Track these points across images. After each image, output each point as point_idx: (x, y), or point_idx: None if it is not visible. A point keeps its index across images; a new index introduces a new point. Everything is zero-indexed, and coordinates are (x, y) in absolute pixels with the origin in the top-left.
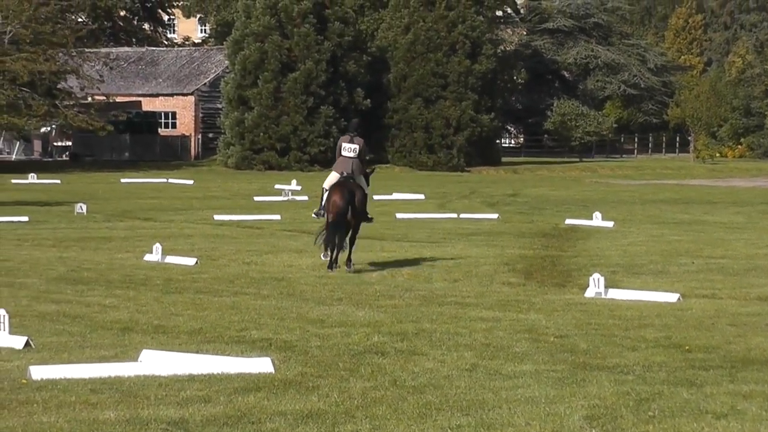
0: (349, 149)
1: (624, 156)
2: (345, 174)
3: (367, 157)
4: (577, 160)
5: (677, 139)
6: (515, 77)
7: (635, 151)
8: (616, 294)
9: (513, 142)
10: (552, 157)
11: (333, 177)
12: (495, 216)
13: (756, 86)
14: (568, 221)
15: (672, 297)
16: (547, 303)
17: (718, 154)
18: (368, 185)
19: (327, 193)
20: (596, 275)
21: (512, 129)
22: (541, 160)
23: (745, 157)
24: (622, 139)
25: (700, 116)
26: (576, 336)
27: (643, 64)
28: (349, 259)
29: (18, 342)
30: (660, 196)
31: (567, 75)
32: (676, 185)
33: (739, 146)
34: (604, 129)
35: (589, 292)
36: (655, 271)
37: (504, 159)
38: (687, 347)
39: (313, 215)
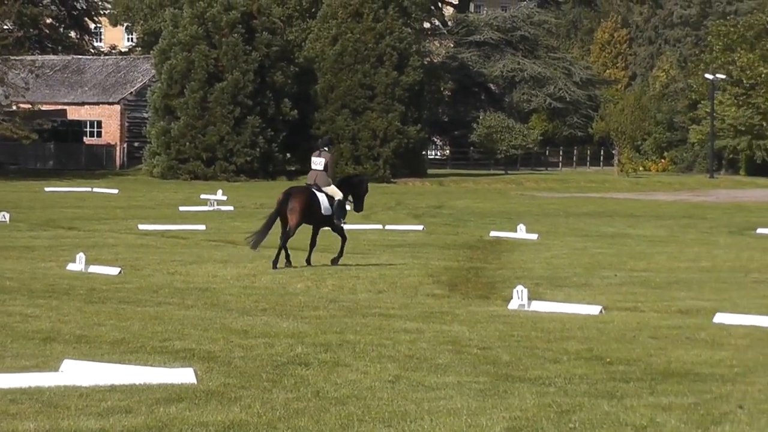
0: (315, 163)
1: (549, 169)
2: (309, 184)
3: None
4: (503, 172)
5: (602, 152)
6: (442, 89)
7: (560, 164)
8: (539, 306)
9: (439, 154)
10: (478, 170)
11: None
12: (420, 227)
13: (679, 101)
14: (493, 233)
15: (594, 309)
16: (471, 315)
17: (641, 168)
18: (345, 195)
19: None
20: (520, 287)
21: (438, 141)
22: (467, 172)
23: (668, 170)
24: (548, 152)
25: (625, 130)
26: (499, 348)
27: (568, 77)
28: (308, 258)
29: None
30: (584, 209)
31: (493, 87)
32: (600, 198)
33: (663, 160)
34: (529, 142)
35: (513, 304)
36: (578, 283)
37: (430, 171)
38: (608, 359)
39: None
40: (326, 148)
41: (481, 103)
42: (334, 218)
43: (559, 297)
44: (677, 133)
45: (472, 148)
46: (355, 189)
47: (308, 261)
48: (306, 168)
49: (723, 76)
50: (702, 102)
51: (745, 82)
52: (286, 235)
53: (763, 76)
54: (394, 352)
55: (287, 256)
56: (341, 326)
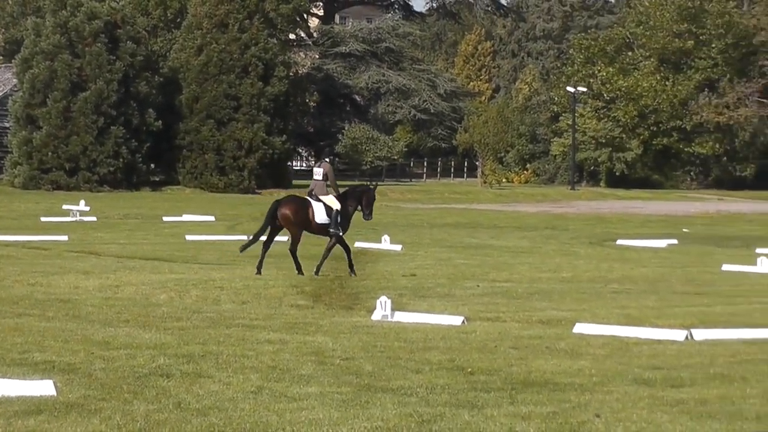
0: (315, 173)
1: (413, 180)
2: (309, 192)
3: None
4: (367, 183)
5: (466, 163)
6: (307, 100)
7: (424, 175)
8: (402, 317)
9: (304, 164)
10: (343, 180)
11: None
12: (285, 239)
13: (542, 113)
14: (357, 244)
15: (457, 320)
16: (335, 325)
17: (504, 179)
18: (371, 199)
19: None
20: (383, 298)
21: (304, 152)
22: None
23: (531, 182)
24: (412, 164)
25: (488, 142)
26: (362, 358)
27: (433, 89)
28: (317, 267)
29: None
30: (448, 220)
31: (359, 99)
32: (463, 209)
33: (525, 172)
34: (394, 153)
35: (376, 315)
36: (441, 294)
37: (295, 182)
38: (470, 369)
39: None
40: (327, 159)
41: (347, 115)
42: (330, 227)
43: (422, 307)
44: (540, 145)
45: (337, 159)
46: (361, 199)
47: (350, 267)
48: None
49: (584, 89)
50: (564, 114)
51: (605, 95)
52: (293, 245)
53: (622, 89)
54: (257, 363)
55: (298, 266)
56: (204, 337)
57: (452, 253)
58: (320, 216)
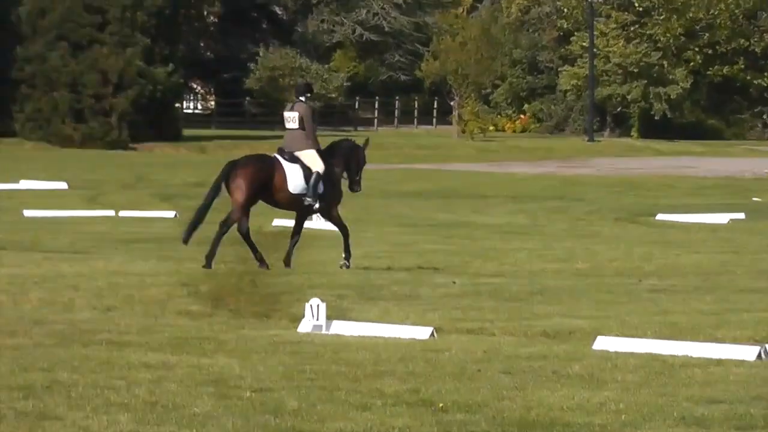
0: (288, 119)
1: (360, 128)
2: (279, 149)
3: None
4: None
5: (435, 105)
6: (205, 13)
7: (376, 121)
8: (343, 328)
9: (200, 106)
10: (257, 130)
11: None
12: (172, 214)
13: (545, 31)
14: (278, 222)
15: (423, 332)
16: (244, 342)
17: (492, 128)
18: (362, 160)
19: None
20: (315, 301)
21: (200, 88)
22: (241, 133)
23: (530, 131)
24: (358, 105)
25: (468, 73)
26: (283, 390)
27: None
28: (287, 256)
29: None
30: (410, 186)
31: (279, 12)
32: (433, 171)
33: (522, 116)
34: (331, 90)
35: (305, 326)
36: (399, 294)
37: (187, 132)
38: (441, 405)
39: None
40: (302, 99)
41: (262, 35)
42: (307, 196)
43: (372, 314)
44: (542, 78)
45: (248, 98)
46: (347, 158)
47: (287, 259)
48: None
49: None
50: (577, 33)
51: (637, 4)
52: (224, 223)
53: None
54: (129, 398)
55: (255, 251)
56: (50, 360)
57: (416, 234)
58: (295, 182)
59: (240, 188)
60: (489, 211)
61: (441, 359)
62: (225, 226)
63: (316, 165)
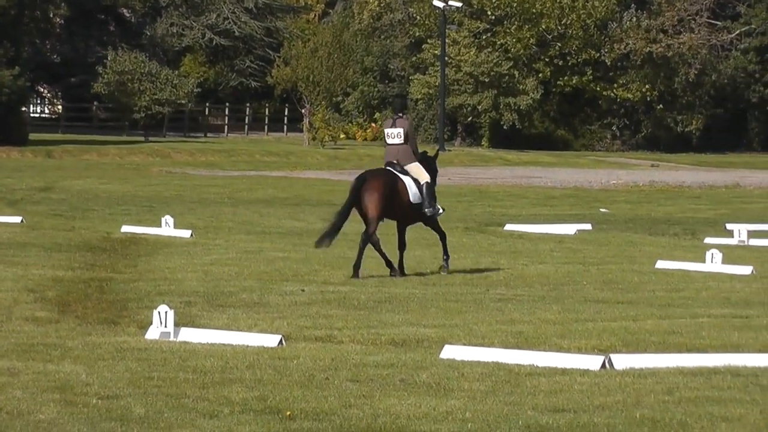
0: (391, 135)
1: (210, 135)
2: (388, 162)
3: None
4: (142, 139)
5: (286, 112)
6: (51, 15)
7: (226, 128)
8: (191, 335)
9: (47, 110)
10: (105, 135)
11: None
12: (17, 220)
13: (397, 38)
14: (126, 228)
15: (271, 340)
16: (90, 348)
17: (343, 135)
18: (434, 171)
19: None
20: (163, 308)
21: (46, 92)
22: (89, 138)
23: (381, 139)
24: (208, 111)
25: (319, 80)
26: (130, 396)
27: (238, 2)
28: (400, 266)
29: None
30: (260, 193)
31: (127, 14)
32: (283, 179)
33: (373, 124)
34: (180, 96)
35: (153, 333)
36: (248, 302)
37: (33, 136)
38: (289, 413)
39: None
40: (402, 115)
41: (110, 38)
42: (425, 207)
43: (220, 321)
44: (394, 86)
45: (96, 103)
46: (428, 170)
47: (401, 269)
48: None
49: (458, 4)
50: (429, 41)
51: (489, 13)
52: (366, 233)
53: (514, 5)
54: None
55: (387, 261)
56: None
57: (265, 242)
58: (414, 193)
59: (374, 202)
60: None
61: (289, 367)
62: (367, 238)
63: (424, 176)
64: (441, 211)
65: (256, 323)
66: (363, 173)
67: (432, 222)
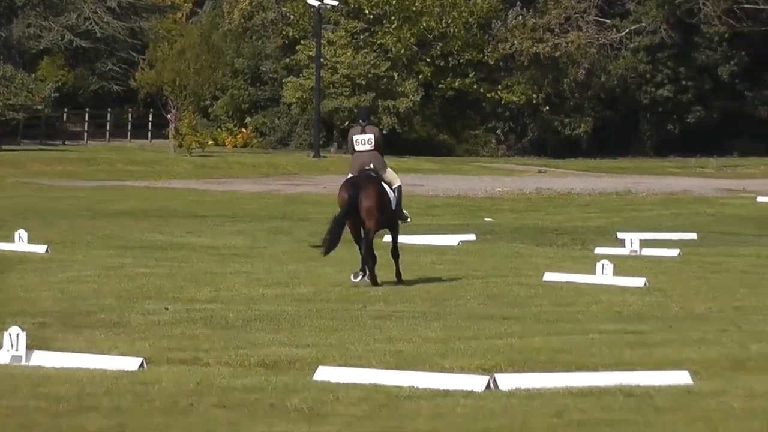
0: (361, 141)
1: (69, 142)
2: (363, 170)
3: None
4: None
5: (151, 117)
6: None
7: (86, 134)
8: (44, 359)
9: None
10: None
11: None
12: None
13: (269, 39)
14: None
15: (132, 363)
16: None
17: (211, 142)
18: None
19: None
20: (15, 330)
21: None
22: None
23: (253, 146)
24: (66, 117)
25: (186, 83)
26: None
27: (100, 1)
28: (373, 274)
29: None
30: (122, 205)
31: None
32: (146, 189)
33: (243, 130)
34: (37, 101)
35: (2, 357)
36: (108, 322)
37: None
38: None
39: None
40: (365, 121)
41: None
42: (399, 214)
43: (76, 344)
44: (266, 90)
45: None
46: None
47: (375, 278)
48: None
49: (335, 3)
50: (303, 42)
51: (367, 12)
52: (367, 241)
53: (393, 4)
54: None
55: (372, 269)
56: None
57: (127, 257)
58: (394, 199)
59: (372, 209)
60: (206, 232)
61: (150, 392)
62: (369, 244)
63: (396, 181)
64: (409, 218)
65: (115, 345)
66: (353, 180)
67: (396, 229)
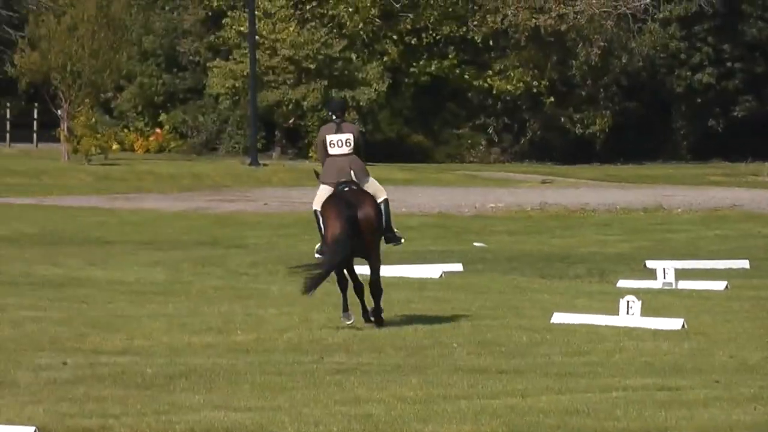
0: (337, 142)
1: None
2: (341, 182)
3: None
4: None
5: (36, 113)
6: None
7: None
8: None
9: None
10: None
11: (324, 191)
12: None
13: (188, 10)
14: None
15: None
16: None
17: (116, 146)
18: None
19: (321, 216)
20: None
21: None
22: None
23: (170, 150)
24: None
25: (81, 69)
26: None
27: None
28: (364, 308)
29: None
30: (2, 230)
31: None
32: (32, 207)
33: (158, 130)
34: None
35: None
36: None
37: None
38: None
39: (316, 255)
40: (339, 116)
41: None
42: (389, 235)
43: None
44: (186, 77)
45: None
46: None
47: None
48: None
49: None
50: (231, 14)
51: None
52: (376, 274)
53: None
54: None
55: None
56: None
57: (10, 296)
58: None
59: (376, 231)
60: (113, 263)
61: None
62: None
63: (382, 193)
64: (403, 240)
65: (0, 411)
66: (342, 196)
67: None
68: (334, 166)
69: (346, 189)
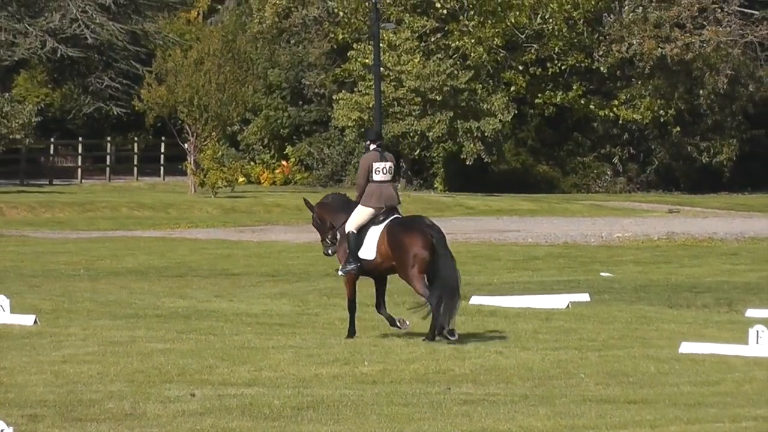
0: (383, 170)
1: (58, 182)
2: (386, 207)
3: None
4: None
5: (162, 148)
6: None
7: (79, 171)
8: None
9: None
10: None
11: (365, 214)
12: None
13: (314, 42)
14: None
15: None
16: None
17: (242, 179)
18: None
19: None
20: (0, 424)
21: None
22: None
23: (296, 182)
24: (54, 149)
25: (207, 103)
26: None
27: None
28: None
29: None
30: (129, 262)
31: None
32: (160, 240)
33: (284, 162)
34: (15, 129)
35: None
36: (117, 413)
37: None
38: None
39: (339, 273)
40: (379, 145)
41: None
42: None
43: None
44: (311, 110)
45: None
46: None
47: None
48: None
49: None
50: (357, 46)
51: (439, 6)
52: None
53: None
54: None
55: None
56: None
57: (139, 329)
58: None
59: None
60: (239, 295)
61: None
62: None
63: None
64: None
65: None
66: (418, 222)
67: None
68: (383, 193)
69: (415, 217)
